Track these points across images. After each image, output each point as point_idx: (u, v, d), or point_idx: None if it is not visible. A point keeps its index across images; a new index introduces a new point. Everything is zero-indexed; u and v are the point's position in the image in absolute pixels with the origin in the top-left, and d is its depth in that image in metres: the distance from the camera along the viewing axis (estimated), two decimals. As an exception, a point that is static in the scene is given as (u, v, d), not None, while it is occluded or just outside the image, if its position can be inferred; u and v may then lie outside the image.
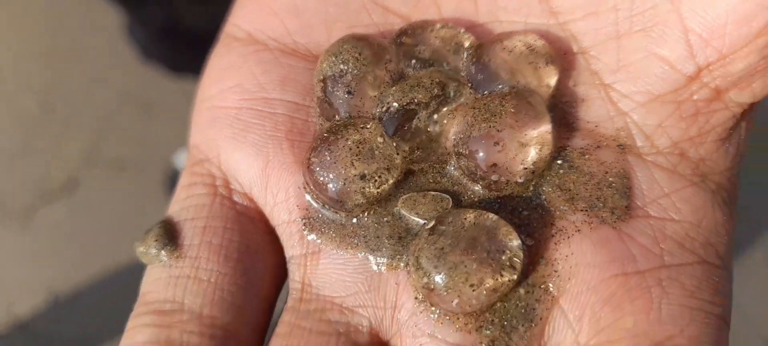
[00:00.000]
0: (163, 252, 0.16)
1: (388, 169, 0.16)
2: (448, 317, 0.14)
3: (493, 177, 0.15)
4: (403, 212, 0.16)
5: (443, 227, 0.14)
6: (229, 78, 0.18)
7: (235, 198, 0.17)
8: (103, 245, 1.21)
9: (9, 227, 1.24)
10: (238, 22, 0.19)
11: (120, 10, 0.76)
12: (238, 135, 0.17)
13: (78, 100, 1.30)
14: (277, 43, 0.18)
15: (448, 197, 0.16)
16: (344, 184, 0.15)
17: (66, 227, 1.23)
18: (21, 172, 1.27)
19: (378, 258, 0.15)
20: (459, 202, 0.15)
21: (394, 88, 0.16)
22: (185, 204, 0.17)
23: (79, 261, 1.21)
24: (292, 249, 0.16)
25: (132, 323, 0.15)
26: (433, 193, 0.16)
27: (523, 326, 0.14)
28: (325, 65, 0.16)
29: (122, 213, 1.22)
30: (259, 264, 0.16)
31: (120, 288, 1.19)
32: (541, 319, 0.14)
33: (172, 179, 1.20)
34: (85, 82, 1.32)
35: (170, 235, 0.16)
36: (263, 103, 0.17)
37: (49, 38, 1.37)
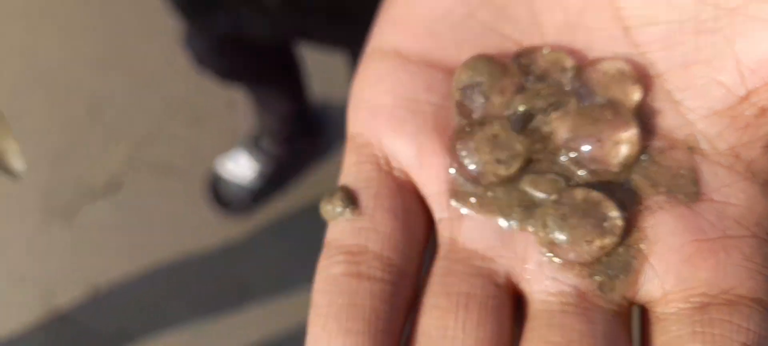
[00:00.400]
0: (347, 210, 0.21)
1: (514, 157, 0.21)
2: (566, 266, 0.19)
3: (594, 167, 0.20)
4: (527, 188, 0.21)
5: (563, 199, 0.19)
6: (382, 83, 0.23)
7: (396, 173, 0.22)
8: (143, 244, 1.26)
9: (53, 222, 1.30)
10: (383, 39, 0.24)
11: (182, 19, 0.81)
12: (395, 127, 0.22)
13: (125, 105, 1.36)
14: (418, 58, 0.23)
15: (561, 178, 0.21)
16: (482, 166, 0.20)
17: (108, 225, 1.28)
18: (66, 170, 1.33)
19: (510, 221, 0.20)
20: (569, 184, 0.20)
21: (518, 96, 0.21)
22: (358, 176, 0.21)
23: (119, 258, 1.26)
24: (440, 213, 0.21)
25: (325, 262, 0.20)
26: (549, 175, 0.21)
27: (622, 275, 0.19)
28: (463, 76, 0.21)
29: (163, 215, 1.27)
30: (415, 224, 0.21)
31: (158, 286, 1.24)
32: (636, 271, 0.19)
33: (213, 185, 1.25)
34: (133, 88, 1.38)
35: (350, 198, 0.21)
36: (413, 103, 0.22)
37: (102, 44, 1.44)
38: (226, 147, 1.27)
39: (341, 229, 0.20)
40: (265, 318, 1.20)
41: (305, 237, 1.24)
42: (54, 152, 1.34)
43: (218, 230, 1.25)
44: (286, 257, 1.24)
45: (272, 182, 1.24)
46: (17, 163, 0.23)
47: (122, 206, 1.29)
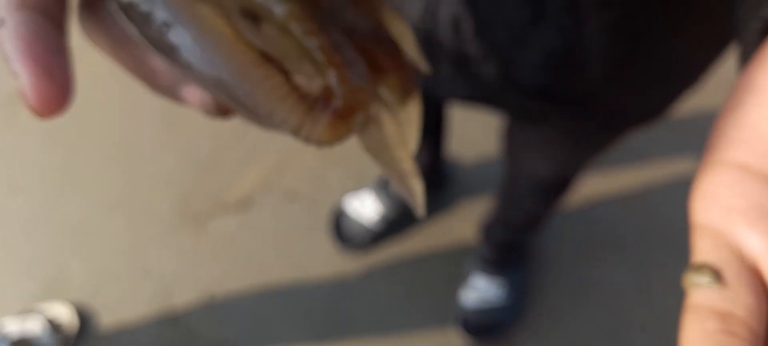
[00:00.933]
0: (713, 282, 0.26)
1: None
2: None
3: None
4: None
5: None
6: (734, 189, 0.27)
7: (745, 259, 0.27)
8: (262, 263, 1.34)
9: (184, 225, 1.39)
10: (728, 154, 0.29)
11: None
12: (750, 224, 0.26)
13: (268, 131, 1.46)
14: (760, 174, 0.28)
15: None
16: None
17: (234, 239, 1.37)
18: (207, 181, 1.43)
19: None
20: None
21: None
22: (718, 257, 0.26)
23: (237, 272, 1.34)
24: None
25: (697, 318, 0.25)
26: None
27: None
28: None
29: (285, 239, 1.35)
30: (764, 300, 0.26)
31: (268, 305, 1.31)
32: None
33: (337, 219, 1.32)
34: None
35: (716, 273, 0.26)
36: (762, 208, 0.27)
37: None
38: (352, 185, 1.34)
39: (708, 296, 0.25)
40: (367, 355, 1.25)
41: (414, 285, 1.29)
42: (199, 162, 1.45)
43: (333, 263, 1.31)
44: (393, 300, 1.28)
45: (393, 227, 1.30)
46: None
47: (249, 224, 1.37)
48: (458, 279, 1.29)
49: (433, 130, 1.08)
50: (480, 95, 0.67)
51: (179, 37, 0.19)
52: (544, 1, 0.47)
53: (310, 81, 0.21)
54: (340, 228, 1.31)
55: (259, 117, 0.20)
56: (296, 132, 0.20)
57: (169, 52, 0.20)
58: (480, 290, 1.23)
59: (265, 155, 1.43)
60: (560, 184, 0.89)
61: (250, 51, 0.19)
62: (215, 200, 1.40)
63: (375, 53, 0.23)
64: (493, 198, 1.16)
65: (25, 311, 1.33)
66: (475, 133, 1.38)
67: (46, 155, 1.52)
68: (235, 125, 1.47)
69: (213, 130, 1.48)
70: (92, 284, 1.37)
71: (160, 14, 0.19)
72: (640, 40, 0.50)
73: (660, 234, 1.31)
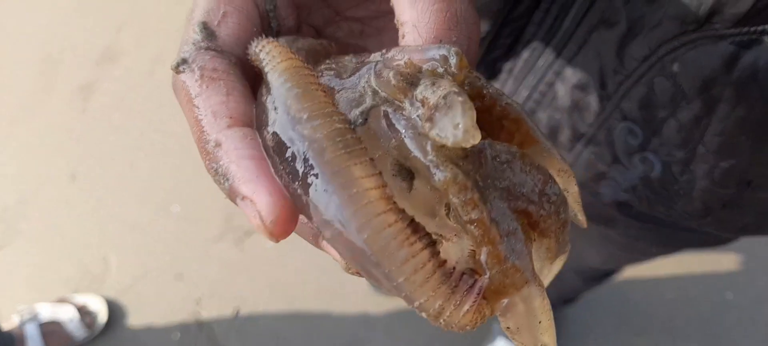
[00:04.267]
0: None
1: None
2: None
3: None
4: None
5: None
6: None
7: None
8: (292, 287, 1.36)
9: (225, 239, 1.43)
10: None
11: None
12: None
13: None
14: None
15: None
16: None
17: (268, 259, 1.40)
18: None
19: None
20: None
21: None
22: None
23: (266, 291, 1.37)
24: None
25: None
26: None
27: None
28: None
29: (318, 269, 1.38)
30: None
31: (292, 329, 1.32)
32: None
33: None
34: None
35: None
36: None
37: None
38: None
39: None
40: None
41: (435, 337, 1.30)
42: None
43: (361, 301, 1.34)
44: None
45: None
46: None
47: (286, 248, 1.41)
48: (480, 339, 1.30)
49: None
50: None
51: (325, 199, 0.17)
52: (658, 134, 0.42)
53: (457, 243, 0.19)
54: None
55: (396, 293, 0.18)
56: (435, 318, 0.18)
57: (308, 209, 0.18)
58: (502, 351, 1.24)
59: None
60: (604, 274, 0.90)
61: (398, 223, 0.17)
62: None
63: (537, 215, 0.20)
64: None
65: (59, 300, 1.36)
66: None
67: (108, 149, 1.59)
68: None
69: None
70: (127, 281, 1.41)
71: (310, 173, 0.18)
72: (746, 189, 0.43)
73: (689, 326, 1.31)
